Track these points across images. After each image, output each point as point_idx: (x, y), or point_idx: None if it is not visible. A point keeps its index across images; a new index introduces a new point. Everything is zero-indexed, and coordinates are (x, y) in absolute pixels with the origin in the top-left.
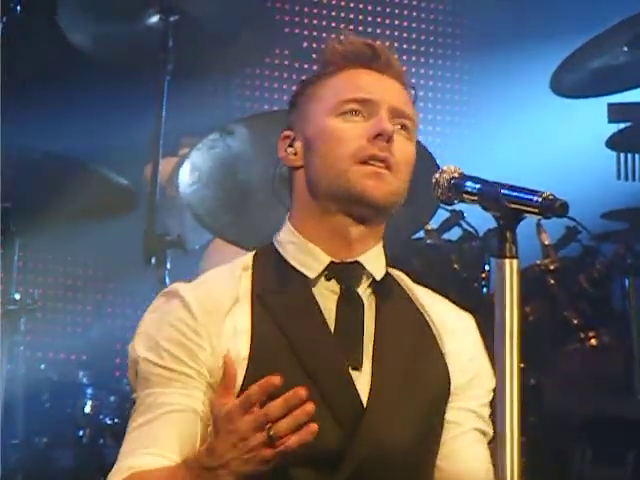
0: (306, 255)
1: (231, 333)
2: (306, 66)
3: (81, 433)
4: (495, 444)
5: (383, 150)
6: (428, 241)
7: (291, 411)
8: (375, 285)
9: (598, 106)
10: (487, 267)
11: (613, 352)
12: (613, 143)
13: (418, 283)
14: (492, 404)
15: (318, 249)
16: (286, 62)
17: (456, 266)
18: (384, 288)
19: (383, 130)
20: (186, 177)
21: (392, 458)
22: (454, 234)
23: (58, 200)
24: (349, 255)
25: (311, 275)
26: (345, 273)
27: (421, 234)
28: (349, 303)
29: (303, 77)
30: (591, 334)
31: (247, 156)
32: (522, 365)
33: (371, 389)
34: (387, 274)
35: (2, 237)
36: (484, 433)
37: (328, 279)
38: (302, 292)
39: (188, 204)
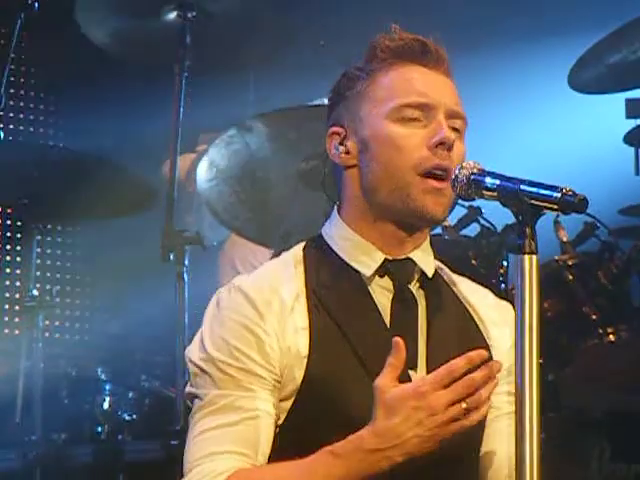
0: (362, 252)
1: (293, 330)
2: (324, 62)
3: (99, 429)
4: (515, 438)
5: (445, 159)
6: (446, 237)
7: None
8: (424, 281)
9: (616, 102)
10: (505, 263)
11: (631, 348)
12: (631, 139)
13: (455, 272)
14: None
15: (373, 247)
16: (304, 59)
17: (474, 262)
18: (433, 284)
19: (445, 139)
20: (204, 173)
21: (448, 453)
22: (472, 230)
23: (76, 197)
24: (400, 252)
25: (367, 272)
26: (398, 270)
27: (439, 230)
28: (403, 301)
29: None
30: (609, 330)
31: (265, 152)
32: (541, 360)
33: None
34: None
35: (21, 234)
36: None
37: (381, 276)
38: (358, 289)
39: (206, 200)
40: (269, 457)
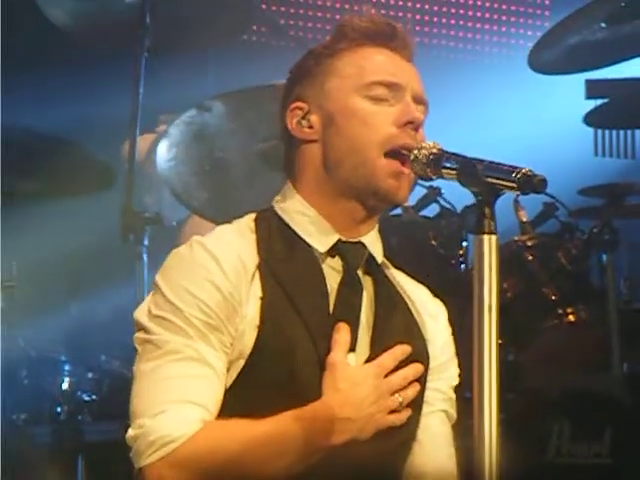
0: (317, 229)
1: (252, 297)
2: (283, 43)
3: (59, 410)
4: (473, 420)
5: (412, 138)
6: (405, 218)
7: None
8: (372, 267)
9: (576, 82)
10: (465, 244)
11: (591, 328)
12: (590, 119)
13: (395, 266)
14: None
15: (329, 225)
16: (263, 39)
17: (434, 243)
18: (379, 271)
19: (414, 118)
20: (163, 154)
21: (377, 433)
22: (431, 211)
23: (35, 178)
24: (352, 235)
25: (321, 249)
26: (350, 252)
27: (398, 211)
28: (350, 284)
29: (274, 62)
30: (569, 310)
31: (224, 132)
32: (500, 341)
33: None
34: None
35: None
36: (449, 415)
37: (332, 256)
38: (311, 265)
39: (165, 180)
40: None
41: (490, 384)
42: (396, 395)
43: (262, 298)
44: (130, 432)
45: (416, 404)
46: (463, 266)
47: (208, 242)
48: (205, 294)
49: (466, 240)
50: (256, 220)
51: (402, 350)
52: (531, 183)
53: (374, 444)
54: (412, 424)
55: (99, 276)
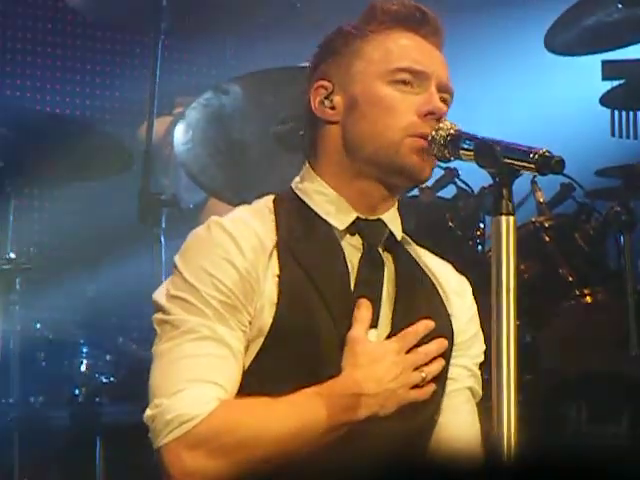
0: (336, 208)
1: (270, 275)
2: (301, 26)
3: (77, 392)
4: (492, 401)
5: (433, 129)
6: (423, 199)
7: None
8: (392, 245)
9: (592, 63)
10: (482, 225)
11: (608, 309)
12: (607, 100)
13: (417, 244)
14: (482, 367)
15: (347, 204)
16: (281, 21)
17: (451, 224)
18: (400, 249)
19: (436, 109)
20: (180, 136)
21: (401, 410)
22: (449, 192)
23: (53, 159)
24: (371, 213)
25: (340, 226)
26: (369, 230)
27: (415, 192)
28: (371, 261)
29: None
30: (586, 291)
31: (241, 115)
32: (517, 322)
33: None
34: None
35: None
36: (474, 392)
37: (352, 234)
38: (330, 242)
39: (182, 163)
40: None
41: (508, 365)
42: (418, 371)
43: (279, 276)
44: (147, 412)
45: (440, 379)
46: (480, 247)
47: (225, 222)
48: (222, 273)
49: (483, 221)
50: (275, 201)
51: (425, 325)
52: (549, 164)
53: (399, 421)
54: (436, 400)
55: (116, 258)
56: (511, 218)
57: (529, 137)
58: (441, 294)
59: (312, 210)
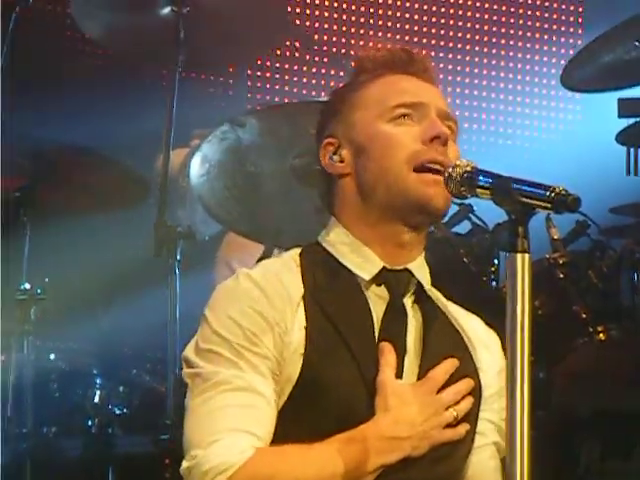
0: (361, 257)
1: (297, 327)
2: (317, 59)
3: (90, 423)
4: (505, 437)
5: (441, 154)
6: (437, 234)
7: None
8: (420, 295)
9: (609, 101)
10: (496, 261)
11: (621, 347)
12: (623, 138)
13: (445, 296)
14: None
15: (372, 253)
16: (297, 54)
17: (465, 260)
18: (427, 300)
19: (440, 133)
20: (197, 168)
21: (436, 452)
22: (463, 228)
23: (69, 190)
24: (398, 262)
25: (366, 277)
26: (396, 280)
27: (430, 227)
28: (394, 313)
29: (307, 76)
30: (600, 328)
31: (257, 148)
32: (531, 358)
33: None
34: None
35: (13, 226)
36: (500, 448)
37: (378, 284)
38: (355, 292)
39: (198, 195)
40: None
41: (522, 402)
42: (450, 410)
43: (306, 327)
44: (184, 464)
45: (471, 419)
46: (494, 283)
47: (253, 273)
48: (251, 322)
49: (497, 257)
50: (301, 254)
51: (452, 363)
52: (565, 202)
53: (434, 465)
54: (468, 441)
55: (131, 290)
56: (526, 256)
57: (545, 174)
58: (469, 347)
59: (337, 261)
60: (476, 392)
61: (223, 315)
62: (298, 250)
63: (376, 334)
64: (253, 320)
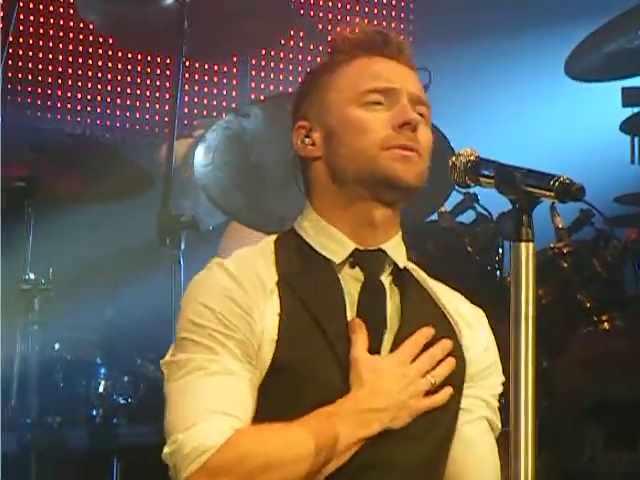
0: (331, 240)
1: (270, 314)
2: (321, 48)
3: (94, 413)
4: (509, 427)
5: (410, 140)
6: (442, 224)
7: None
8: (396, 274)
9: (612, 90)
10: (500, 250)
11: (626, 336)
12: (627, 127)
13: (430, 275)
14: (500, 399)
15: (343, 235)
16: (301, 44)
17: (470, 249)
18: (404, 278)
19: (410, 119)
20: (201, 158)
21: (419, 424)
22: (468, 217)
23: (72, 181)
24: (373, 243)
25: (337, 260)
26: (369, 261)
27: (435, 217)
28: (372, 292)
29: (311, 66)
30: (604, 317)
31: (262, 138)
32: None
33: None
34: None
35: (16, 216)
36: (492, 424)
37: (352, 266)
38: (327, 276)
39: (202, 185)
40: None
41: (527, 392)
42: (427, 377)
43: (279, 314)
44: (165, 449)
45: (451, 408)
46: (498, 272)
47: (226, 262)
48: (224, 308)
49: (502, 246)
50: (276, 241)
51: (424, 333)
52: (569, 191)
53: (419, 439)
54: (452, 409)
55: (135, 280)
56: (530, 245)
57: (549, 163)
58: (452, 323)
59: (310, 246)
60: (459, 367)
61: (196, 303)
62: (274, 237)
63: (349, 314)
64: (226, 306)
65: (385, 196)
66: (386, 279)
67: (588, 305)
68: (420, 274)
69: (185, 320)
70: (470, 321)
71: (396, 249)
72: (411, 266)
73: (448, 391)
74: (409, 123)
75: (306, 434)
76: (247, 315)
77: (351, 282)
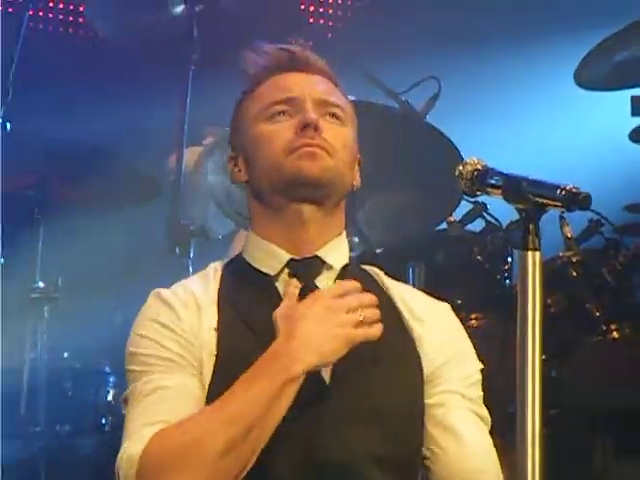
0: (268, 256)
1: (207, 329)
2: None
3: (103, 421)
4: (516, 435)
5: (313, 138)
6: (451, 232)
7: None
8: (341, 275)
9: (621, 99)
10: (510, 259)
11: (635, 345)
12: (636, 136)
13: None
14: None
15: (276, 247)
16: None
17: (479, 257)
18: (349, 277)
19: (308, 120)
20: (210, 166)
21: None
22: (477, 226)
23: (82, 189)
24: (309, 250)
25: (271, 272)
26: (305, 269)
27: (444, 226)
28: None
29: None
30: (613, 327)
31: None
32: (543, 357)
33: (333, 373)
34: (348, 264)
35: (26, 225)
36: (479, 414)
37: (290, 276)
38: (264, 288)
39: (212, 194)
40: None
41: (533, 400)
42: (357, 312)
43: (217, 328)
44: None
45: (414, 415)
46: (508, 281)
47: (163, 290)
48: (154, 333)
49: (511, 255)
50: (225, 265)
51: (352, 284)
52: (576, 200)
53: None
54: (393, 353)
55: (144, 288)
56: (537, 254)
57: (558, 172)
58: (403, 320)
59: (248, 264)
60: (414, 361)
61: (133, 334)
62: (224, 262)
63: None
64: (156, 330)
65: (299, 194)
66: (327, 282)
67: (597, 314)
68: (380, 276)
69: (126, 353)
70: (422, 315)
71: (333, 252)
72: (371, 269)
73: (379, 327)
74: (309, 124)
75: (231, 399)
76: (182, 338)
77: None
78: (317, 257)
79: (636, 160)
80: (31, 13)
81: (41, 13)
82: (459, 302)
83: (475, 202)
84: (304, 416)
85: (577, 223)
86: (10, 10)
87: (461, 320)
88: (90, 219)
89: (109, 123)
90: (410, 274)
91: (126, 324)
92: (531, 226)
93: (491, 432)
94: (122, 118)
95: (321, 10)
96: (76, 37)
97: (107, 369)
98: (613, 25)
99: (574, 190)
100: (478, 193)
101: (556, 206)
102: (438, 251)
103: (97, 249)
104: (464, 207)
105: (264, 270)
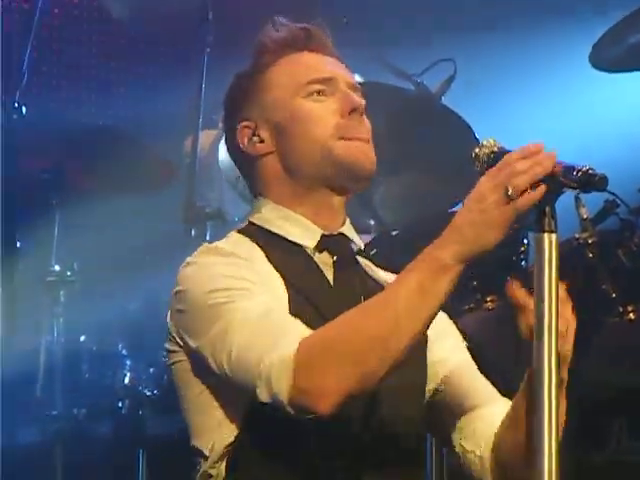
0: (300, 228)
1: (278, 285)
2: (347, 40)
3: (120, 404)
4: (533, 416)
5: (361, 125)
6: None
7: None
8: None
9: (637, 80)
10: (526, 241)
11: None
12: None
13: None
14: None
15: (310, 222)
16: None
17: None
18: (360, 260)
19: (355, 104)
20: (226, 150)
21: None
22: None
23: (98, 172)
24: (333, 227)
25: (311, 245)
26: (336, 244)
27: (459, 207)
28: (346, 268)
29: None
30: (629, 308)
31: None
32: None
33: None
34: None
35: (42, 209)
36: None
37: (320, 251)
38: (305, 261)
39: (228, 176)
40: None
41: (550, 380)
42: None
43: (287, 292)
44: (257, 385)
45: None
46: (524, 263)
47: (218, 246)
48: (239, 268)
49: (527, 237)
50: (243, 233)
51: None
52: (592, 181)
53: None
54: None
55: (161, 271)
56: (553, 235)
57: (574, 153)
58: None
59: (279, 235)
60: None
61: (202, 283)
62: (235, 232)
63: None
64: (238, 266)
65: (342, 185)
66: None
67: (613, 295)
68: (368, 264)
69: (197, 296)
70: None
71: (353, 232)
72: (361, 259)
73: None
74: (357, 109)
75: (389, 295)
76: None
77: (322, 267)
78: (343, 234)
79: None
80: None
81: None
82: (474, 284)
83: None
84: None
85: (592, 204)
86: None
87: (476, 302)
88: (106, 202)
89: (124, 107)
90: None
91: (142, 307)
92: (547, 208)
93: None
94: (138, 102)
95: None
96: (89, 19)
97: (124, 352)
98: (628, 7)
99: (590, 171)
100: None
101: (572, 187)
102: None
103: (113, 232)
104: None
105: (302, 243)
